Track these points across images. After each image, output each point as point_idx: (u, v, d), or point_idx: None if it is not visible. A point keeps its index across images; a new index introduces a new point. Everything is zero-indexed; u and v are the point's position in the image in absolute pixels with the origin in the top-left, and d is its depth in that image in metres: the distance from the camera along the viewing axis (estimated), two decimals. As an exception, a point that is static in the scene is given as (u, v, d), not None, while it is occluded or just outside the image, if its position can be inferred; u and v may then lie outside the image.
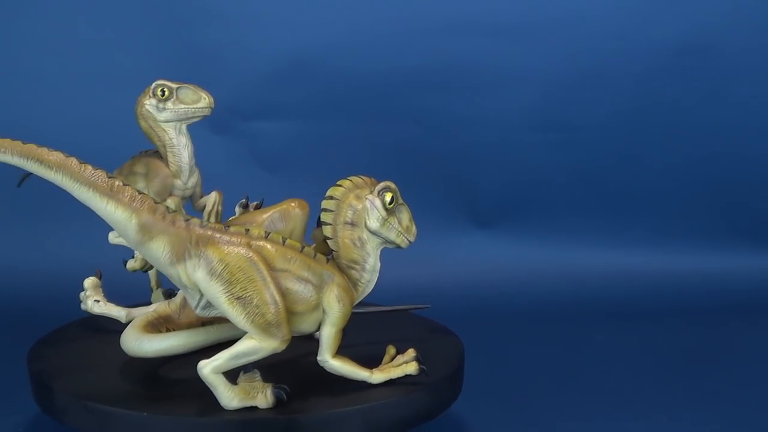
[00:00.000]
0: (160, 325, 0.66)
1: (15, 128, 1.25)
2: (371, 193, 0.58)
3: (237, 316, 0.53)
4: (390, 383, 0.59)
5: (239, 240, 0.54)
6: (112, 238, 0.75)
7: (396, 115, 1.26)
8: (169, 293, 0.77)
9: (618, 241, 1.29)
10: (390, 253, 0.89)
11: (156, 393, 0.61)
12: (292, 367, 0.63)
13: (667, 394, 0.83)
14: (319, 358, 0.58)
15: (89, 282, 0.73)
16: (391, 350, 0.62)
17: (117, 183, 0.54)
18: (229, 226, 0.55)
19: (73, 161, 0.53)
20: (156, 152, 0.77)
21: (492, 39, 1.23)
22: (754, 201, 1.30)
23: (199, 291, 0.54)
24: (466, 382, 0.86)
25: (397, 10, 1.23)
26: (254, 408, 0.55)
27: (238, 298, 0.53)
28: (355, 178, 0.59)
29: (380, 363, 0.61)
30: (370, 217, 0.58)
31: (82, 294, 0.73)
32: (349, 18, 1.24)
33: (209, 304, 0.55)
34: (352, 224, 0.58)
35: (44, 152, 0.53)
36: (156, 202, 0.55)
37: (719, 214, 1.30)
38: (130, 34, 1.25)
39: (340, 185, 0.59)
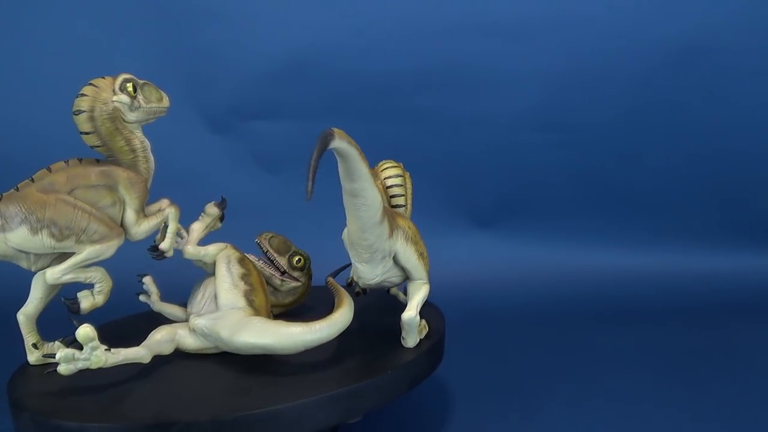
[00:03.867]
0: None
1: (15, 128, 1.26)
2: None
3: (421, 268, 0.68)
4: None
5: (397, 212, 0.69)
6: (58, 276, 0.62)
7: (396, 115, 1.26)
8: (71, 341, 0.65)
9: (618, 241, 1.29)
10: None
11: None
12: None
13: (666, 393, 0.83)
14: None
15: (87, 332, 0.59)
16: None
17: None
18: None
19: None
20: (95, 160, 0.64)
21: (492, 39, 1.23)
22: (753, 201, 1.30)
23: (391, 257, 0.66)
24: (468, 382, 0.86)
25: (397, 11, 1.23)
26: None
27: (420, 254, 0.68)
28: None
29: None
30: None
31: (67, 353, 0.58)
32: (349, 19, 1.24)
33: (389, 270, 0.67)
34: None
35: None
36: None
37: (719, 214, 1.30)
38: (131, 34, 1.25)
39: (396, 166, 0.73)
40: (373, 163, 0.76)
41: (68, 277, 0.63)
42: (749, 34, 1.23)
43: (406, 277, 0.69)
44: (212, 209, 0.72)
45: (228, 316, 0.64)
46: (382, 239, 0.64)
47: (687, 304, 1.16)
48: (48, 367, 0.60)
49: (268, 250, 0.76)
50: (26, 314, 0.66)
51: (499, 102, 1.25)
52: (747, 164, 1.28)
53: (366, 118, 1.27)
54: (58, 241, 0.61)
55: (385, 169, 0.74)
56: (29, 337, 0.67)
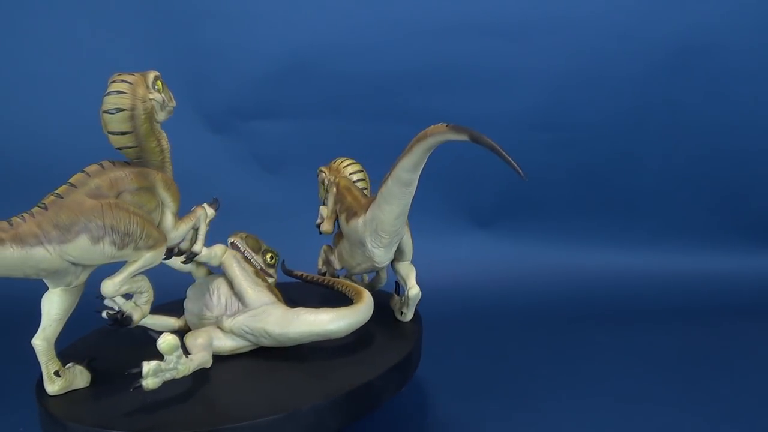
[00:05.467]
0: None
1: (15, 128, 1.26)
2: None
3: (412, 249, 0.75)
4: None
5: None
6: (118, 287, 0.58)
7: (396, 115, 1.26)
8: (90, 360, 0.64)
9: (618, 241, 1.29)
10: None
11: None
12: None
13: (666, 393, 0.83)
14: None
15: (171, 341, 0.56)
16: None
17: None
18: None
19: None
20: (124, 162, 0.60)
21: (492, 39, 1.23)
22: (753, 201, 1.30)
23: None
24: (467, 381, 0.86)
25: (397, 10, 1.23)
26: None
27: (411, 237, 0.75)
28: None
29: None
30: None
31: (153, 366, 0.55)
32: (349, 19, 1.24)
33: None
34: None
35: None
36: None
37: (719, 214, 1.30)
38: (131, 34, 1.25)
39: (356, 162, 0.82)
40: (325, 160, 0.83)
41: (125, 288, 0.58)
42: (749, 33, 1.23)
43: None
44: (206, 210, 0.71)
45: (269, 312, 0.66)
46: (404, 225, 0.71)
47: (687, 304, 1.16)
48: (132, 384, 0.55)
49: (245, 249, 0.76)
50: (46, 339, 0.58)
51: (499, 102, 1.25)
52: (747, 164, 1.29)
53: (366, 118, 1.27)
54: (119, 249, 0.56)
55: (348, 165, 0.81)
56: (51, 364, 0.59)
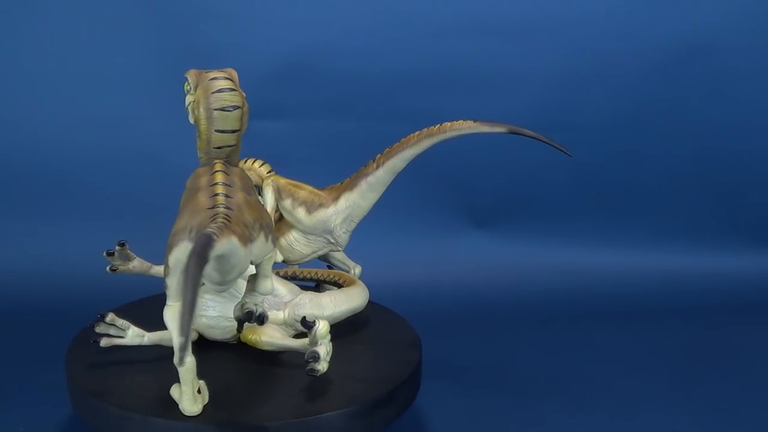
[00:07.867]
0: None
1: (15, 128, 1.26)
2: None
3: None
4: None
5: None
6: (272, 282, 0.59)
7: (396, 115, 1.26)
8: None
9: (618, 241, 1.29)
10: (389, 252, 0.89)
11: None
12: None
13: (666, 394, 0.83)
14: None
15: (327, 325, 0.60)
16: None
17: None
18: None
19: None
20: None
21: (492, 39, 1.23)
22: (754, 200, 1.30)
23: None
24: (468, 386, 0.86)
25: (397, 10, 1.23)
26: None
27: None
28: None
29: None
30: None
31: (324, 353, 0.59)
32: (349, 18, 1.24)
33: None
34: None
35: None
36: None
37: (719, 213, 1.30)
38: (130, 34, 1.25)
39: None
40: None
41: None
42: (749, 33, 1.23)
43: None
44: None
45: (308, 299, 0.71)
46: None
47: (687, 304, 1.16)
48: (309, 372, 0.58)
49: None
50: (191, 354, 0.51)
51: (499, 102, 1.25)
52: (747, 164, 1.28)
53: (366, 118, 1.27)
54: (272, 245, 0.55)
55: (262, 165, 0.84)
56: (196, 382, 0.53)
